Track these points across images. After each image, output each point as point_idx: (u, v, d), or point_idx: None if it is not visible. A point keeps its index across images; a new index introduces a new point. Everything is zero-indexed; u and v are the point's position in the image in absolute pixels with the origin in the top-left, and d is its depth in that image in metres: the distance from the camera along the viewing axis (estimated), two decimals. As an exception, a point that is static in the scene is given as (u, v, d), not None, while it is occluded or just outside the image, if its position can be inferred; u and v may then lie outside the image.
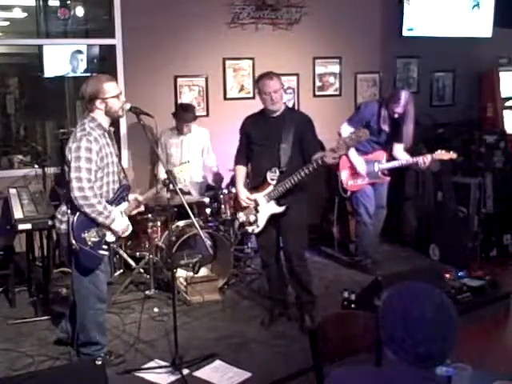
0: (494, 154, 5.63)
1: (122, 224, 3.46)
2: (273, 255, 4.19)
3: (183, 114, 5.22)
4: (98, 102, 3.36)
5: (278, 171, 3.92)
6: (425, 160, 4.86)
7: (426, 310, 1.53)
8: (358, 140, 3.70)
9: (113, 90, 3.39)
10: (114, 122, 3.66)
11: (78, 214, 3.34)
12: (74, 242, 3.34)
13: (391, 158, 5.13)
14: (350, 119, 5.11)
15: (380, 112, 4.97)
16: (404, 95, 4.84)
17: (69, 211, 3.38)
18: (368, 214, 5.17)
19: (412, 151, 5.11)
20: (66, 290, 4.47)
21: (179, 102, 5.75)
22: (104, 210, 3.34)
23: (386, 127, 4.98)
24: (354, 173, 5.12)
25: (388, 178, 5.22)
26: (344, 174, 5.16)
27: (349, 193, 5.21)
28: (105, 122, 3.43)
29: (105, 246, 3.43)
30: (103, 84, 3.38)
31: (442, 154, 4.86)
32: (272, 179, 3.95)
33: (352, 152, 4.98)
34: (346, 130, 4.94)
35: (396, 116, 4.91)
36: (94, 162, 3.29)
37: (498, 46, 6.82)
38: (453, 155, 4.86)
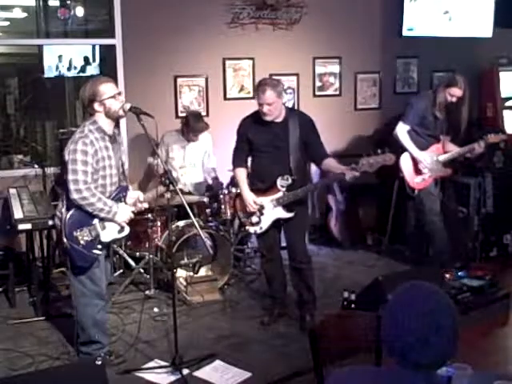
0: (494, 154, 5.63)
1: (124, 216, 3.46)
2: (275, 251, 4.20)
3: (196, 125, 5.12)
4: (96, 105, 3.38)
5: (290, 179, 3.91)
6: (481, 145, 4.92)
7: (425, 315, 1.52)
8: (383, 164, 3.67)
9: (109, 91, 3.39)
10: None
11: (71, 212, 3.36)
12: (65, 240, 3.36)
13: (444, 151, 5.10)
14: (405, 117, 5.04)
15: (435, 100, 4.95)
16: (461, 78, 4.92)
17: (63, 209, 3.41)
18: (434, 211, 5.09)
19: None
20: (66, 290, 4.48)
21: (182, 108, 5.73)
22: (104, 206, 3.36)
23: (440, 114, 4.96)
24: (417, 170, 5.06)
25: (450, 170, 5.15)
26: (408, 173, 5.08)
27: (416, 191, 5.09)
28: (106, 124, 3.42)
29: (99, 246, 3.42)
30: (99, 86, 3.39)
31: (493, 138, 4.94)
32: (282, 186, 3.94)
33: (414, 149, 5.00)
34: (403, 128, 5.01)
35: (454, 100, 4.90)
36: (89, 165, 3.31)
37: (497, 46, 6.81)
38: (503, 136, 4.94)
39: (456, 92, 4.89)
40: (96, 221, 3.40)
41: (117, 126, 3.59)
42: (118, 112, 3.42)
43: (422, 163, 5.01)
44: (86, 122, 3.42)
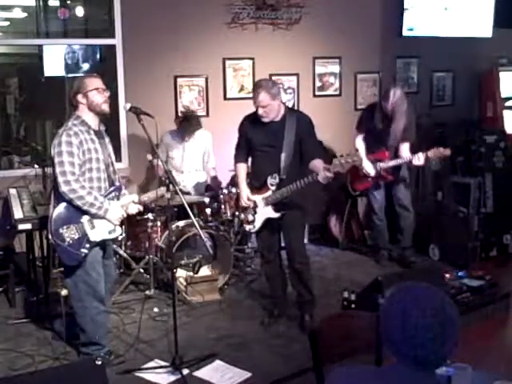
0: (494, 154, 5.63)
1: (117, 214, 3.45)
2: (274, 252, 4.20)
3: (188, 125, 5.21)
4: (79, 97, 3.40)
5: (278, 178, 3.92)
6: (419, 158, 4.90)
7: (425, 313, 1.52)
8: (353, 164, 3.76)
9: (92, 84, 3.42)
10: (112, 122, 3.67)
11: (58, 208, 3.35)
12: (50, 236, 3.36)
13: (396, 157, 5.17)
14: (357, 127, 5.36)
15: (373, 112, 5.16)
16: (393, 92, 4.96)
17: (51, 206, 3.42)
18: (374, 212, 5.45)
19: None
20: (65, 290, 4.47)
21: (181, 108, 5.74)
22: (95, 201, 3.34)
23: (380, 125, 5.11)
24: (360, 172, 5.30)
25: (391, 177, 5.26)
26: (352, 176, 5.46)
27: (357, 192, 5.58)
28: (90, 118, 3.43)
29: (87, 245, 3.38)
30: (83, 79, 3.47)
31: (435, 152, 4.89)
32: (272, 185, 3.95)
33: (362, 153, 5.20)
34: (358, 137, 5.33)
35: (389, 114, 5.03)
36: (76, 156, 3.30)
37: (497, 46, 6.82)
38: (446, 151, 4.86)
39: (385, 106, 5.01)
40: (84, 219, 3.37)
41: (102, 122, 3.58)
42: (100, 106, 3.42)
43: (365, 168, 5.19)
44: (69, 119, 3.45)
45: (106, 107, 3.44)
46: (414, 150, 5.10)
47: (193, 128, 5.24)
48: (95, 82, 3.44)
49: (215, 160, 5.51)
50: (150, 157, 5.30)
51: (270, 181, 3.96)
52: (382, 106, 5.06)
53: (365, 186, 5.42)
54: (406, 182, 5.34)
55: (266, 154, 3.99)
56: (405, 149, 5.13)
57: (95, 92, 3.40)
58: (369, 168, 5.21)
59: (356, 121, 5.44)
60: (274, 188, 3.95)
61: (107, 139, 3.60)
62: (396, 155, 5.17)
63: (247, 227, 4.14)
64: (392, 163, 5.16)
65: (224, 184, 5.42)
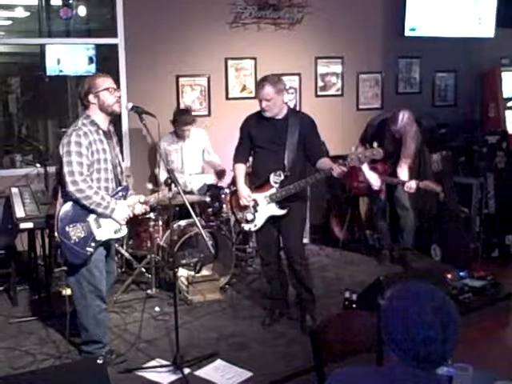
0: (495, 155, 5.63)
1: (123, 213, 3.45)
2: (273, 253, 4.19)
3: (182, 117, 5.16)
4: (91, 97, 3.40)
5: (282, 175, 3.92)
6: (410, 186, 4.86)
7: (425, 311, 1.53)
8: (372, 158, 3.73)
9: (104, 84, 3.41)
10: (114, 121, 3.67)
11: (66, 206, 3.36)
12: (56, 234, 3.36)
13: (394, 173, 5.14)
14: (361, 140, 5.21)
15: (384, 132, 5.07)
16: (401, 115, 4.91)
17: (58, 204, 3.42)
18: (377, 213, 5.49)
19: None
20: (67, 289, 4.48)
21: (177, 105, 5.74)
22: (102, 201, 3.35)
23: (390, 148, 4.96)
24: (360, 177, 5.38)
25: (383, 190, 5.31)
26: (350, 175, 5.47)
27: (351, 193, 5.74)
28: (100, 119, 3.43)
29: (93, 244, 3.39)
30: (95, 79, 3.45)
31: (428, 184, 4.84)
32: (275, 182, 3.95)
33: (364, 166, 5.09)
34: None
35: (397, 136, 5.00)
36: (84, 156, 3.31)
37: (500, 47, 6.82)
38: (438, 188, 4.79)
39: (394, 128, 4.96)
40: (91, 218, 3.38)
41: (111, 122, 3.58)
42: (111, 106, 3.42)
43: (370, 181, 5.19)
44: (80, 117, 3.45)
45: (117, 107, 3.45)
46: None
47: (186, 118, 5.15)
48: (106, 82, 3.43)
49: (218, 158, 5.50)
50: (150, 186, 5.27)
51: (273, 178, 3.95)
52: (390, 128, 5.02)
53: (359, 192, 5.60)
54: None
55: (268, 152, 3.99)
56: (404, 171, 5.07)
57: (106, 92, 3.39)
58: (373, 179, 5.18)
59: (359, 123, 5.48)
60: (277, 185, 3.95)
61: (115, 139, 3.60)
62: (393, 170, 5.14)
63: (247, 226, 4.12)
64: (387, 180, 5.18)
65: (225, 184, 5.42)
